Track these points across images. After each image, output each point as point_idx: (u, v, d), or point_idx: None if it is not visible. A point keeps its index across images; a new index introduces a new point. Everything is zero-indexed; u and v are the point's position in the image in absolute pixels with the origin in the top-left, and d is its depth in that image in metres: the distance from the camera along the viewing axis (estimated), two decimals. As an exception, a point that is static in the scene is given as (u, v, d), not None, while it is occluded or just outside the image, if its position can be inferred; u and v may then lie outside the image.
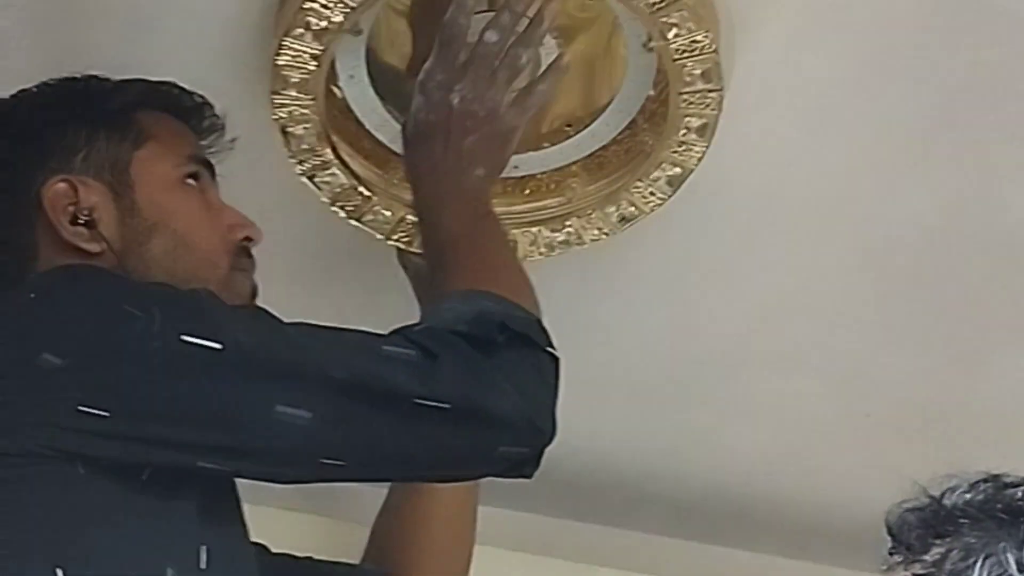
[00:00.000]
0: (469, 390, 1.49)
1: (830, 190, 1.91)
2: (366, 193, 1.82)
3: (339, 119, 1.80)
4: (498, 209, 1.77)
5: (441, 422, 1.48)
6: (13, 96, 1.67)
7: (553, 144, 1.84)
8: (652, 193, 1.81)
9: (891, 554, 0.96)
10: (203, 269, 1.63)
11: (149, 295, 1.48)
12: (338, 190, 1.81)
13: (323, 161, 1.78)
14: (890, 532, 0.97)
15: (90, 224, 1.60)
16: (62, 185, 1.61)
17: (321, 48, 1.67)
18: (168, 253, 1.61)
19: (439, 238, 1.67)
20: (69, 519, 1.41)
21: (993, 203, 1.91)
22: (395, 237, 1.85)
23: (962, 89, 1.80)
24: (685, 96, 1.71)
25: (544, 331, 1.59)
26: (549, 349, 1.58)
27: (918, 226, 1.93)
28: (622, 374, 2.07)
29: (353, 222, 1.84)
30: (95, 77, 1.69)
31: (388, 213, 1.83)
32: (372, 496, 1.96)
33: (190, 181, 1.67)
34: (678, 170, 1.79)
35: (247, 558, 1.53)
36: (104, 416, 1.41)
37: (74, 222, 1.60)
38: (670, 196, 1.81)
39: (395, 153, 1.80)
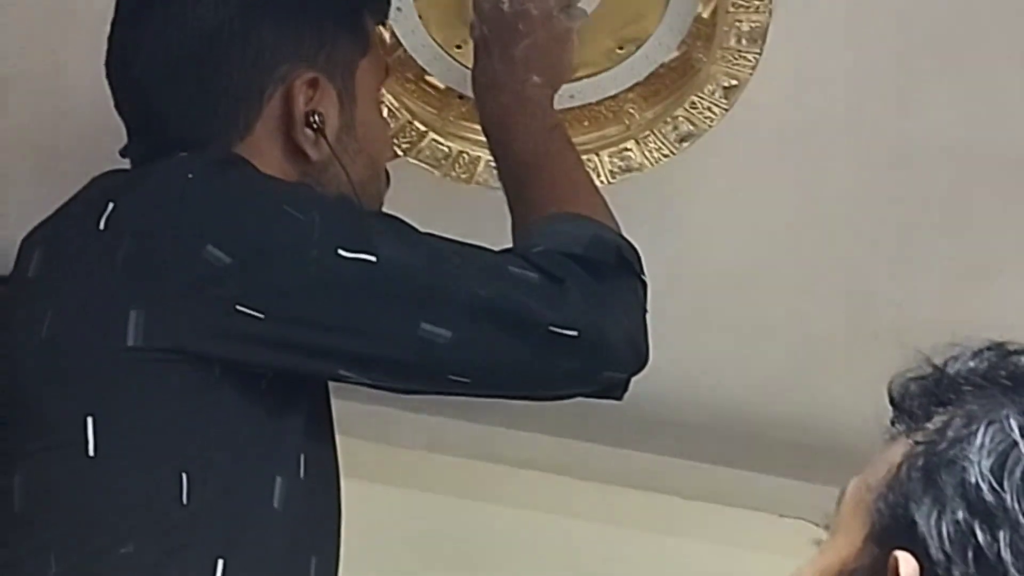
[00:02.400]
0: (594, 318, 1.51)
1: (847, 104, 1.92)
2: (421, 128, 1.82)
3: (391, 59, 1.80)
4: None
5: (567, 348, 1.50)
6: None
7: (607, 70, 1.83)
8: (709, 108, 1.81)
9: (893, 424, 0.96)
10: (378, 190, 1.64)
11: (306, 198, 1.48)
12: (394, 125, 1.81)
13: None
14: (892, 402, 0.96)
15: (319, 130, 1.56)
16: (312, 79, 1.56)
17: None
18: (364, 179, 1.60)
19: (513, 158, 1.66)
20: (196, 424, 1.42)
21: (1006, 123, 1.92)
22: (452, 174, 1.85)
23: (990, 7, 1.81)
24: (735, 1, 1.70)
25: (640, 258, 1.60)
26: (643, 276, 1.60)
27: (931, 143, 1.94)
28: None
29: (411, 159, 1.84)
30: None
31: (445, 149, 1.83)
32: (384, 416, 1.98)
33: (380, 96, 1.67)
34: (733, 82, 1.78)
35: (335, 471, 1.54)
36: (259, 318, 1.41)
37: (306, 123, 1.56)
38: (728, 110, 1.80)
39: (448, 91, 1.81)
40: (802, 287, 2.11)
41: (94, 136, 1.69)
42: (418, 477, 2.19)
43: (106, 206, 1.45)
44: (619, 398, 1.60)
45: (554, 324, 1.49)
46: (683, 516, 2.23)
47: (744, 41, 1.74)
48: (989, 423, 0.89)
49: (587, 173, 1.72)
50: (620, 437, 2.24)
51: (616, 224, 1.62)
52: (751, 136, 1.92)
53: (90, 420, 1.40)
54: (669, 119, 1.82)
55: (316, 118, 1.55)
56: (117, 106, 1.60)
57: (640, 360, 1.57)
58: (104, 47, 1.60)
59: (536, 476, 2.22)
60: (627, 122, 1.85)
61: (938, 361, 0.96)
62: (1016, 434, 0.87)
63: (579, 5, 1.73)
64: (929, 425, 0.92)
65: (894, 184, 2.00)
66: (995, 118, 1.93)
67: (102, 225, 1.44)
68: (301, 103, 1.55)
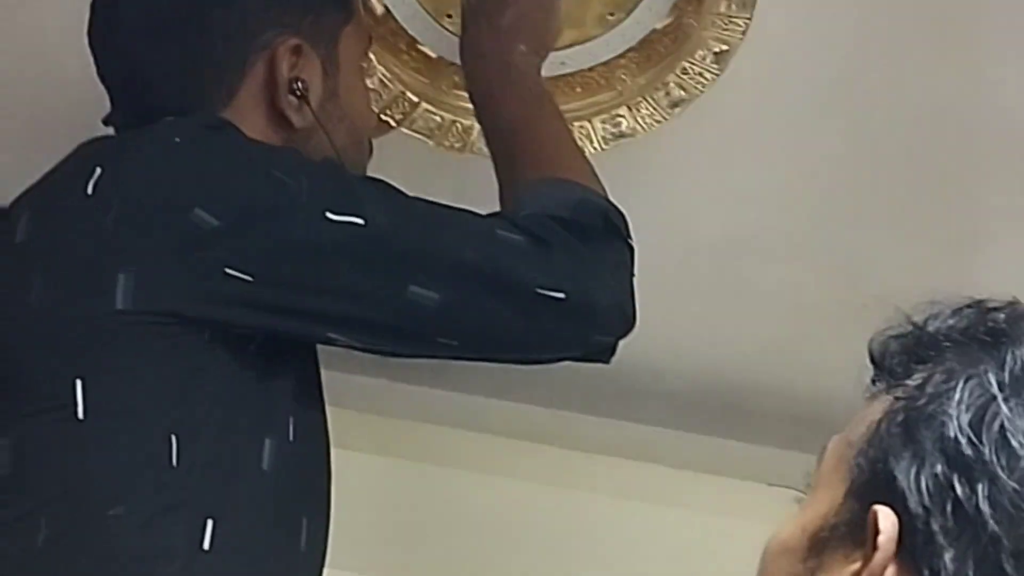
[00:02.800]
0: (581, 280, 1.51)
1: (839, 71, 1.91)
2: (414, 99, 1.81)
3: (383, 31, 1.80)
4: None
5: (554, 310, 1.50)
6: None
7: (599, 36, 1.83)
8: (700, 74, 1.81)
9: (874, 382, 0.96)
10: (361, 157, 1.64)
11: (294, 162, 1.48)
12: (385, 96, 1.80)
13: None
14: (872, 360, 0.97)
15: (303, 97, 1.56)
16: (296, 45, 1.56)
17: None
18: (347, 146, 1.61)
19: (500, 125, 1.66)
20: (186, 387, 1.42)
21: (998, 91, 1.91)
22: (446, 143, 1.84)
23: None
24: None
25: (627, 222, 1.60)
26: (630, 240, 1.60)
27: (924, 110, 1.94)
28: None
29: (404, 129, 1.83)
30: None
31: (438, 119, 1.83)
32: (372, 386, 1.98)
33: (363, 64, 1.66)
34: (724, 47, 1.78)
35: (324, 435, 1.54)
36: (248, 281, 1.41)
37: (290, 89, 1.56)
38: (719, 75, 1.80)
39: (440, 60, 1.80)
40: (792, 255, 2.11)
41: (79, 101, 1.67)
42: (405, 447, 2.19)
43: (93, 171, 1.44)
44: (607, 361, 1.60)
45: (541, 286, 1.49)
46: (671, 486, 2.23)
47: (734, 6, 1.74)
48: (968, 378, 0.89)
49: (574, 140, 1.72)
50: (608, 406, 2.24)
51: (603, 189, 1.62)
52: (743, 102, 1.92)
53: (79, 383, 1.39)
54: (660, 85, 1.82)
55: (300, 85, 1.55)
56: (100, 73, 1.59)
57: (627, 323, 1.57)
58: (86, 12, 1.59)
59: (522, 446, 2.22)
60: (619, 88, 1.84)
61: (918, 319, 0.97)
62: (994, 388, 0.88)
63: None
64: (909, 382, 0.92)
65: (886, 151, 2.00)
66: (987, 86, 1.93)
67: (90, 190, 1.43)
68: (285, 69, 1.55)
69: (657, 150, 1.94)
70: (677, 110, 1.83)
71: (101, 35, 1.58)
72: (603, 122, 1.84)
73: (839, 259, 2.11)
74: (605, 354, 1.59)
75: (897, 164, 2.01)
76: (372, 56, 1.76)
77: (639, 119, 1.84)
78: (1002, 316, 0.94)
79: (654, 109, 1.83)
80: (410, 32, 1.80)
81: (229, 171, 1.45)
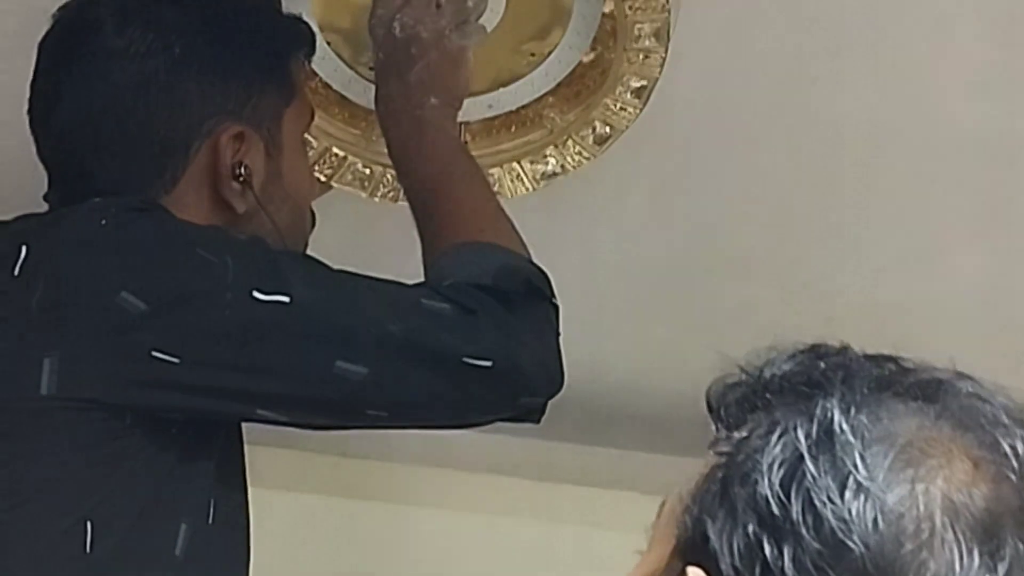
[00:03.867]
0: (507, 347, 1.52)
1: (769, 92, 1.91)
2: (340, 154, 1.83)
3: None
4: (483, 149, 1.79)
5: (482, 378, 1.51)
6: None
7: (522, 76, 1.83)
8: (623, 109, 1.80)
9: (716, 430, 0.94)
10: (303, 232, 1.65)
11: (219, 241, 1.48)
12: (312, 154, 1.81)
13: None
14: (709, 408, 0.95)
15: (246, 183, 1.56)
16: (237, 132, 1.56)
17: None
18: (289, 224, 1.61)
19: (418, 184, 1.67)
20: (103, 472, 1.43)
21: (937, 103, 1.91)
22: (379, 194, 1.86)
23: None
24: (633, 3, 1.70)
25: (549, 282, 1.61)
26: (555, 300, 1.60)
27: (865, 122, 1.93)
28: (579, 294, 2.05)
29: (335, 184, 1.84)
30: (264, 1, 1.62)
31: (367, 171, 1.84)
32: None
33: (304, 138, 1.67)
34: (643, 82, 1.78)
35: (245, 516, 1.55)
36: (174, 363, 1.42)
37: (233, 176, 1.56)
38: (640, 110, 1.80)
39: (369, 110, 1.81)
40: (747, 275, 2.11)
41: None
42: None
43: (19, 251, 1.46)
44: (536, 422, 1.62)
45: (467, 355, 1.50)
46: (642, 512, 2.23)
47: (649, 40, 1.74)
48: (781, 434, 0.87)
49: (492, 195, 1.71)
50: (566, 432, 2.24)
51: (523, 246, 1.63)
52: (675, 131, 1.92)
53: (4, 471, 1.42)
54: (586, 122, 1.82)
55: (243, 170, 1.56)
56: (39, 153, 1.60)
57: (554, 384, 1.58)
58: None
59: (483, 478, 2.22)
60: (548, 127, 1.85)
61: (755, 366, 0.94)
62: (802, 445, 0.86)
63: (478, 21, 1.73)
64: (736, 434, 0.91)
65: (830, 167, 1.99)
66: (926, 96, 1.92)
67: (16, 271, 1.45)
68: (228, 156, 1.55)
69: (601, 180, 1.95)
70: (605, 146, 1.83)
71: (40, 117, 1.59)
72: (531, 162, 1.85)
73: (794, 277, 2.11)
74: (535, 414, 1.61)
75: (843, 179, 2.01)
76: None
77: (567, 157, 1.84)
78: (823, 364, 0.91)
79: (581, 147, 1.83)
80: (335, 87, 1.81)
81: (155, 253, 1.46)
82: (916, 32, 1.86)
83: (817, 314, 2.12)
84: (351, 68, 1.81)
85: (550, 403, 1.59)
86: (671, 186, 2.02)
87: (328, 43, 1.78)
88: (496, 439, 2.13)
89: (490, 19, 1.76)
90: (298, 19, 1.66)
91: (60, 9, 1.59)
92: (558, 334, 1.60)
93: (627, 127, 1.81)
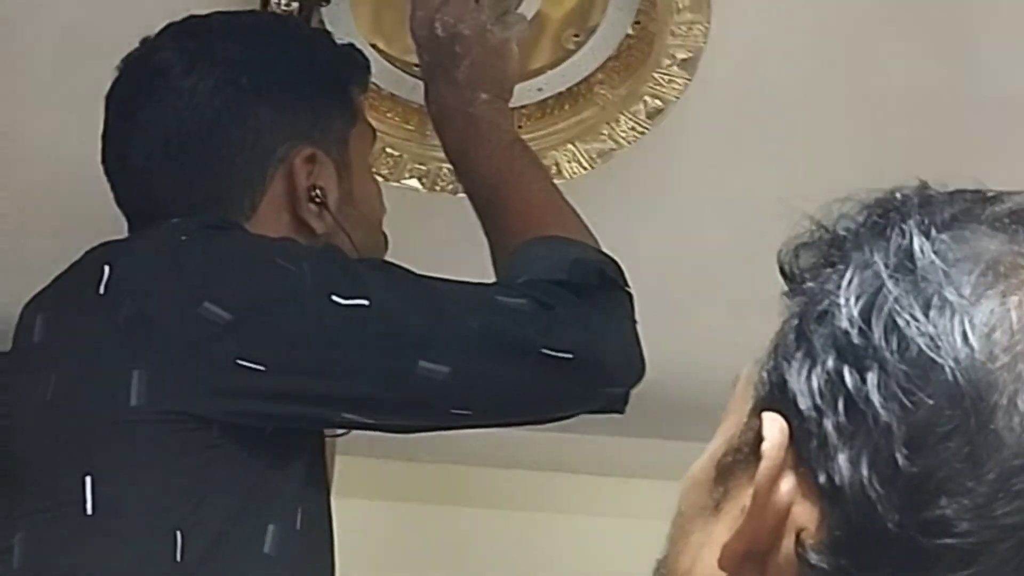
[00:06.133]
0: (586, 339, 1.52)
1: (817, 66, 1.89)
2: (395, 152, 1.85)
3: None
4: (537, 132, 1.80)
5: (563, 370, 1.51)
6: (269, 35, 1.63)
7: (568, 58, 1.84)
8: (671, 81, 1.81)
9: (790, 296, 0.87)
10: (378, 249, 1.66)
11: (296, 250, 1.50)
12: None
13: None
14: (782, 272, 0.88)
15: (322, 204, 1.59)
16: (310, 155, 1.59)
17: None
18: (365, 242, 1.63)
19: (478, 183, 1.67)
20: (192, 483, 1.44)
21: (982, 66, 1.88)
22: (437, 188, 1.87)
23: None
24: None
25: (621, 271, 1.61)
26: (628, 288, 1.61)
27: (913, 93, 1.91)
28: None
29: (394, 183, 1.86)
30: (319, 32, 1.66)
31: (423, 167, 1.85)
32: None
33: (370, 159, 1.70)
34: (689, 53, 1.78)
35: (328, 521, 1.56)
36: (260, 371, 1.43)
37: (308, 198, 1.59)
38: (689, 81, 1.80)
39: (420, 106, 1.82)
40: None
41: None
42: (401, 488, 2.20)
43: (103, 271, 1.48)
44: (621, 411, 1.61)
45: (547, 348, 1.50)
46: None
47: (689, 13, 1.74)
48: (858, 267, 0.82)
49: (553, 185, 1.70)
50: (605, 424, 2.24)
51: (591, 235, 1.63)
52: (721, 108, 1.91)
53: (88, 479, 1.43)
54: (636, 97, 1.83)
55: (318, 192, 1.58)
56: (117, 200, 1.62)
57: (636, 372, 1.58)
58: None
59: (531, 475, 2.21)
60: (601, 103, 1.86)
61: (827, 221, 0.87)
62: (883, 271, 0.80)
63: (518, 10, 1.73)
64: (811, 284, 0.85)
65: (884, 138, 1.96)
66: (972, 68, 1.89)
67: (101, 290, 1.47)
68: (303, 179, 1.57)
69: (648, 165, 1.94)
70: (656, 119, 1.84)
71: (116, 162, 1.61)
72: (585, 141, 1.86)
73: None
74: (619, 404, 1.61)
75: (897, 148, 1.96)
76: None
77: (621, 133, 1.85)
78: (899, 195, 0.86)
79: (634, 122, 1.84)
80: (383, 87, 1.82)
81: (234, 264, 1.48)
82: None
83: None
84: (398, 67, 1.82)
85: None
86: (720, 168, 1.99)
87: (373, 46, 1.80)
88: (570, 438, 2.14)
89: (529, 6, 1.77)
90: (352, 47, 1.69)
91: (124, 59, 1.62)
92: (635, 322, 1.59)
93: (677, 99, 1.82)
